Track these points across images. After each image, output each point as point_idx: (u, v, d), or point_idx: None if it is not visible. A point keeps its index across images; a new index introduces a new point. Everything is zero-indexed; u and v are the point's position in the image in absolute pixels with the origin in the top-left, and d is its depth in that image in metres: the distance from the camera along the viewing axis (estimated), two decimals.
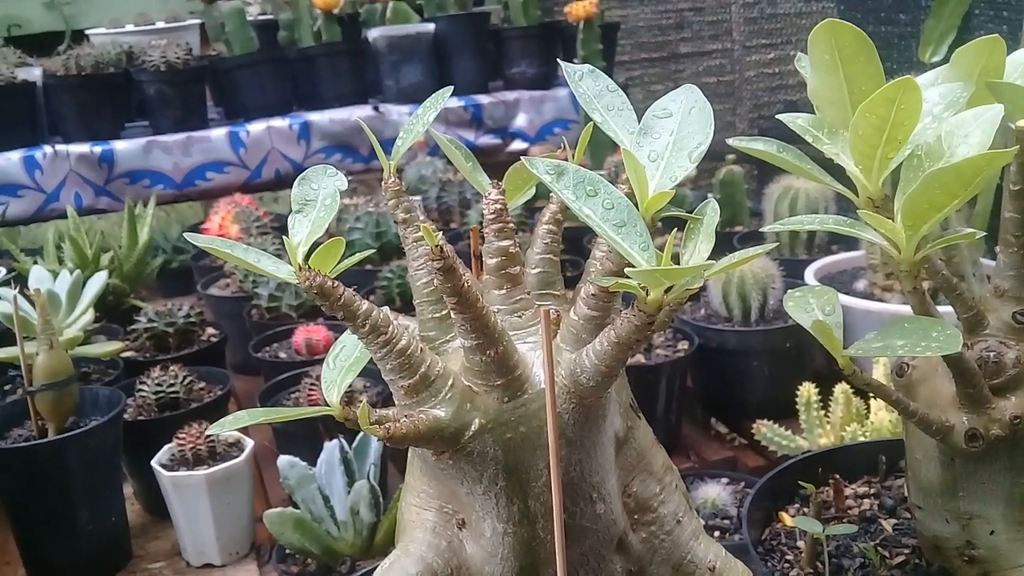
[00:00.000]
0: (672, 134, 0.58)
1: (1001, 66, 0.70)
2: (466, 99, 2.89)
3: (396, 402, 0.61)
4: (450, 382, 0.59)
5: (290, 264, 0.58)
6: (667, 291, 0.52)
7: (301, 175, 0.61)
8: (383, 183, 0.65)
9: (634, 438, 0.68)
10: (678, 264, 0.54)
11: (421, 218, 0.65)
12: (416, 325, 0.66)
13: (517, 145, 2.93)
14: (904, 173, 0.65)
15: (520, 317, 0.63)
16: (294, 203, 0.60)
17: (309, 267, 0.55)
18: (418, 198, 2.42)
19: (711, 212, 0.60)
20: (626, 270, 0.50)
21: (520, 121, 2.95)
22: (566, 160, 0.59)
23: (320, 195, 0.60)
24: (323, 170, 0.62)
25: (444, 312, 0.64)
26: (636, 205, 0.55)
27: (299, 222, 0.59)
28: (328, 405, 0.60)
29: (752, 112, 3.35)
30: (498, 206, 0.60)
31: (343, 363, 0.64)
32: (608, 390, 0.61)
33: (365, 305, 0.57)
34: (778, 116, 0.72)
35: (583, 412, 0.61)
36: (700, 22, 3.44)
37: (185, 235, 0.67)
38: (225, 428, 0.57)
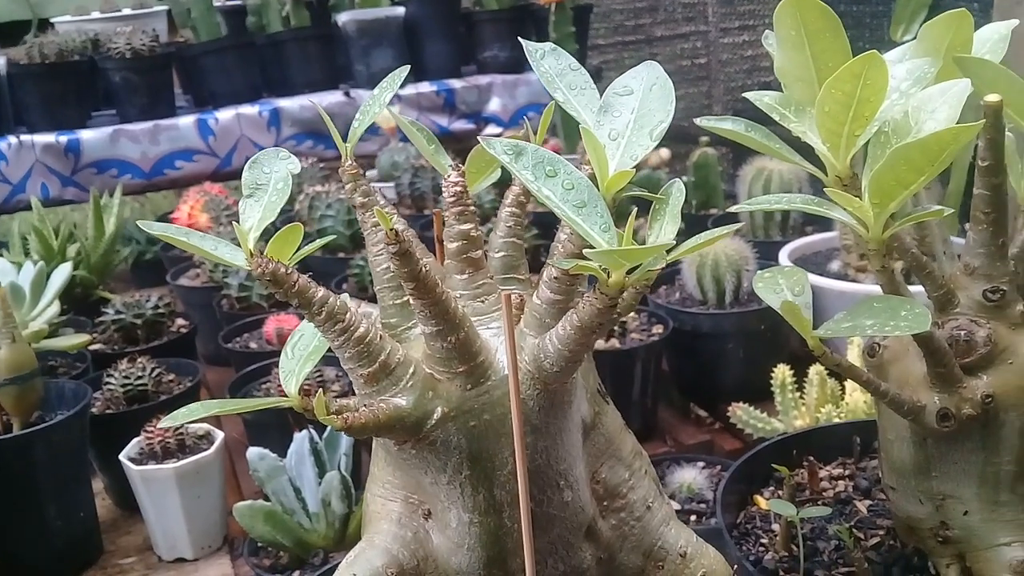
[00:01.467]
0: (633, 112, 0.57)
1: (969, 41, 0.69)
2: (438, 84, 2.86)
3: (356, 391, 0.60)
4: (411, 370, 0.58)
5: None
6: (630, 272, 0.51)
7: (251, 159, 0.59)
8: (340, 168, 0.63)
9: (602, 424, 0.66)
10: (644, 245, 0.53)
11: (382, 202, 0.64)
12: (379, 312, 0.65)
13: (491, 130, 2.90)
14: (871, 150, 0.63)
15: (483, 302, 0.61)
16: (244, 188, 0.58)
17: (261, 253, 0.54)
18: (391, 184, 2.40)
19: (676, 192, 0.58)
20: (585, 251, 0.49)
21: (493, 106, 2.93)
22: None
23: (272, 179, 0.58)
24: (275, 153, 0.60)
25: (405, 298, 0.62)
26: (597, 185, 0.54)
27: (250, 207, 0.57)
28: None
29: (727, 95, 3.35)
30: (458, 188, 0.58)
31: (302, 352, 0.63)
32: (573, 375, 0.60)
33: (321, 292, 0.55)
34: (745, 94, 0.71)
35: (548, 398, 0.59)
36: (674, 4, 3.43)
37: (139, 223, 0.65)
38: (178, 420, 0.56)
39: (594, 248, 0.50)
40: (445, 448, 0.59)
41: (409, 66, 0.67)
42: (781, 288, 0.68)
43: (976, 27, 0.70)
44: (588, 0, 3.21)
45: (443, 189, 0.58)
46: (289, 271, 0.54)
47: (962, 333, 0.70)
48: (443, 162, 0.69)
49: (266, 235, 0.56)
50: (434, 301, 0.54)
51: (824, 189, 0.64)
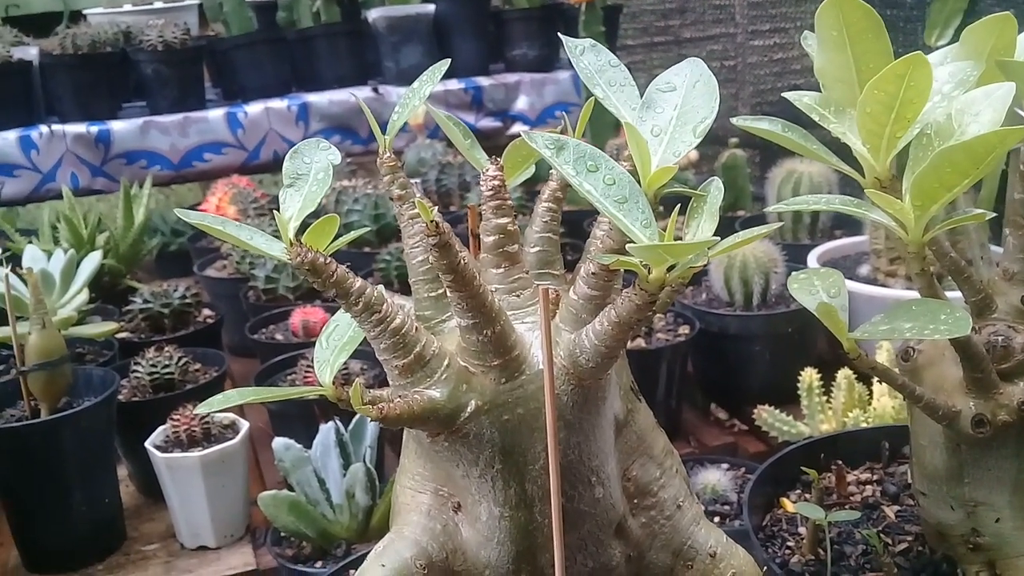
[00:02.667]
0: (676, 108, 0.57)
1: (1012, 45, 0.69)
2: (466, 81, 2.86)
3: (391, 382, 0.60)
4: (446, 362, 0.58)
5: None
6: (670, 269, 0.51)
7: (293, 149, 0.60)
8: (378, 159, 0.64)
9: (634, 421, 0.66)
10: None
11: (418, 195, 0.64)
12: (412, 305, 0.65)
13: (518, 128, 2.90)
14: (913, 152, 0.63)
15: (518, 296, 0.61)
16: (285, 177, 0.58)
17: (301, 243, 0.54)
18: (417, 180, 2.41)
19: (715, 191, 0.58)
20: (627, 246, 0.49)
21: (521, 104, 2.93)
22: None
23: (312, 169, 0.58)
24: (316, 143, 0.60)
25: (440, 291, 0.62)
26: (638, 181, 0.54)
27: (290, 196, 0.57)
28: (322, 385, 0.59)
29: (755, 97, 3.32)
30: (496, 183, 0.58)
31: (336, 342, 0.63)
32: (608, 372, 0.60)
33: (359, 283, 0.55)
34: (784, 94, 0.71)
35: (582, 394, 0.59)
36: (703, 6, 3.41)
37: (176, 211, 0.65)
38: (214, 408, 0.56)
39: (636, 243, 0.50)
40: (478, 441, 0.59)
41: (449, 60, 0.67)
42: (817, 290, 0.68)
43: (1019, 31, 0.69)
44: (618, 0, 3.21)
45: (481, 183, 0.58)
46: (328, 260, 0.54)
47: (999, 339, 0.69)
48: (479, 157, 0.69)
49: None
50: (471, 294, 0.54)
51: (864, 191, 0.64)
